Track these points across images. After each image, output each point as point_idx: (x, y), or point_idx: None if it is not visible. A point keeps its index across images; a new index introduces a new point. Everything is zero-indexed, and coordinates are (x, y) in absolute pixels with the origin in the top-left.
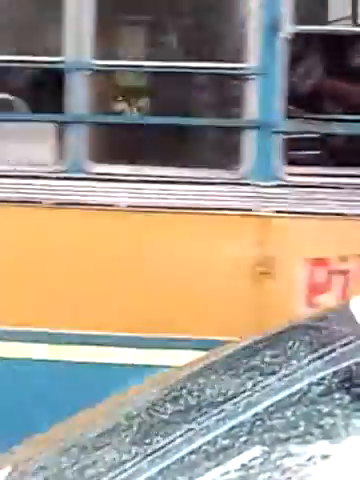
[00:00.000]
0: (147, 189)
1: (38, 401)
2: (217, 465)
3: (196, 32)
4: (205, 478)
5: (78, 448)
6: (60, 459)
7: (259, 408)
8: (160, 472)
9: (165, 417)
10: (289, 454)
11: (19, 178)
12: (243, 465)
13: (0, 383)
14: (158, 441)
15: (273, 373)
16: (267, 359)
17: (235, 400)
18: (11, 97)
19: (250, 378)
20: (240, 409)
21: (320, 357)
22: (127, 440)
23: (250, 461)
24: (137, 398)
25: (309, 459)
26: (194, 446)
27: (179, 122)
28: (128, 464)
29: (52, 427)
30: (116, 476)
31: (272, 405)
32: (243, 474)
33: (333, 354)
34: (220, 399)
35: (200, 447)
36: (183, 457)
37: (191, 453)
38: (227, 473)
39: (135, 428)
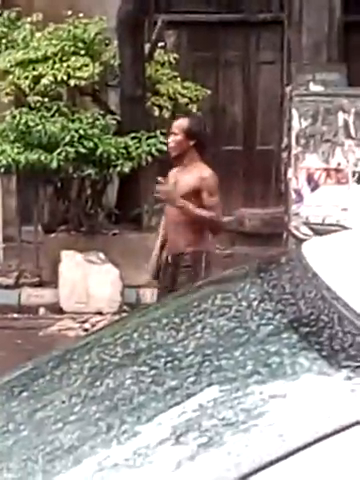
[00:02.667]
0: None
1: None
2: (166, 406)
3: None
4: (154, 419)
5: (30, 393)
6: (11, 404)
7: (208, 349)
8: (108, 412)
9: (115, 360)
10: (238, 394)
11: None
12: (193, 405)
13: None
14: (108, 383)
15: (222, 315)
16: (218, 301)
17: (184, 342)
18: None
19: (200, 320)
20: (189, 350)
21: (270, 298)
22: (76, 384)
23: (200, 401)
24: (89, 342)
25: (258, 398)
26: (142, 387)
27: None
28: (77, 407)
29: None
30: (64, 418)
31: (221, 346)
32: (193, 415)
33: (283, 296)
34: (170, 341)
35: (148, 388)
36: (131, 398)
37: (139, 394)
38: (178, 414)
39: (85, 371)
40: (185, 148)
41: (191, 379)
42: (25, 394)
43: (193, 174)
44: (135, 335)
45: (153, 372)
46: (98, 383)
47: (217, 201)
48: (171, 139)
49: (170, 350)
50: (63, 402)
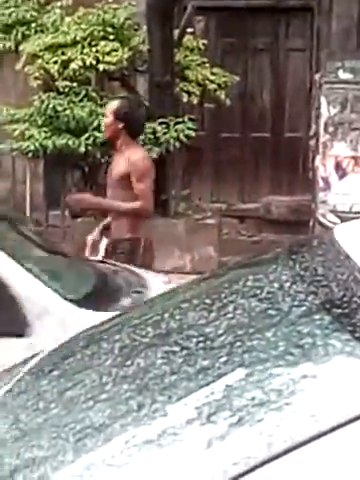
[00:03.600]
0: None
1: None
2: (197, 386)
3: None
4: (185, 398)
5: (59, 371)
6: (41, 383)
7: (240, 330)
8: (139, 391)
9: (146, 340)
10: (270, 374)
11: None
12: (224, 385)
13: None
14: (138, 363)
15: (254, 296)
16: (249, 283)
17: (216, 323)
18: None
19: (231, 301)
20: (221, 331)
21: (302, 280)
22: (107, 363)
23: (231, 381)
24: (119, 322)
25: (290, 379)
26: (174, 367)
27: None
28: (108, 386)
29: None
30: (96, 396)
31: (253, 326)
32: (224, 394)
33: (315, 277)
34: (201, 322)
35: (180, 368)
36: (163, 376)
37: (171, 373)
38: (209, 394)
39: (116, 351)
40: (115, 130)
41: (222, 359)
42: (56, 373)
43: (124, 158)
44: (166, 315)
45: (184, 352)
46: (129, 362)
47: (144, 188)
48: (104, 121)
49: (202, 330)
50: (94, 381)
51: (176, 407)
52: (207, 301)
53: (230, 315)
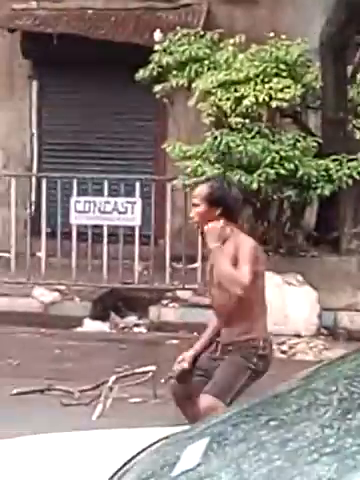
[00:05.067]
0: None
1: None
2: None
3: None
4: None
5: (277, 422)
6: (260, 432)
7: None
8: None
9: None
10: None
11: None
12: None
13: None
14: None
15: None
16: None
17: None
18: None
19: None
20: None
21: None
22: (327, 415)
23: None
24: (332, 373)
25: None
26: None
27: None
28: (331, 439)
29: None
30: (319, 449)
31: None
32: None
33: None
34: None
35: None
36: None
37: None
38: None
39: (335, 403)
40: (211, 219)
41: None
42: (272, 422)
43: (230, 246)
44: None
45: None
46: (350, 415)
47: (247, 268)
48: (195, 211)
49: None
50: (315, 433)
51: None
52: None
53: None
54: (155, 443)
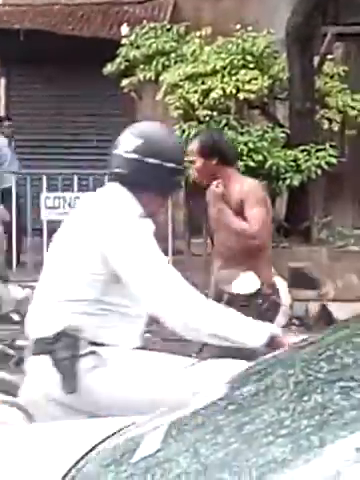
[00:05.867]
0: None
1: None
2: None
3: None
4: None
5: (235, 406)
6: (218, 417)
7: None
8: (319, 427)
9: (321, 375)
10: None
11: None
12: None
13: None
14: (315, 398)
15: None
16: None
17: None
18: None
19: None
20: None
21: None
22: (283, 398)
23: None
24: (290, 357)
25: None
26: (353, 402)
27: None
28: (287, 421)
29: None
30: (275, 431)
31: None
32: None
33: None
34: None
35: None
36: (342, 412)
37: (351, 409)
38: None
39: (291, 386)
40: (211, 170)
41: None
42: (230, 407)
43: (233, 191)
44: (339, 351)
45: None
46: (306, 398)
47: (256, 212)
48: (194, 168)
49: None
50: (271, 416)
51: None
52: None
53: None
54: (117, 432)
